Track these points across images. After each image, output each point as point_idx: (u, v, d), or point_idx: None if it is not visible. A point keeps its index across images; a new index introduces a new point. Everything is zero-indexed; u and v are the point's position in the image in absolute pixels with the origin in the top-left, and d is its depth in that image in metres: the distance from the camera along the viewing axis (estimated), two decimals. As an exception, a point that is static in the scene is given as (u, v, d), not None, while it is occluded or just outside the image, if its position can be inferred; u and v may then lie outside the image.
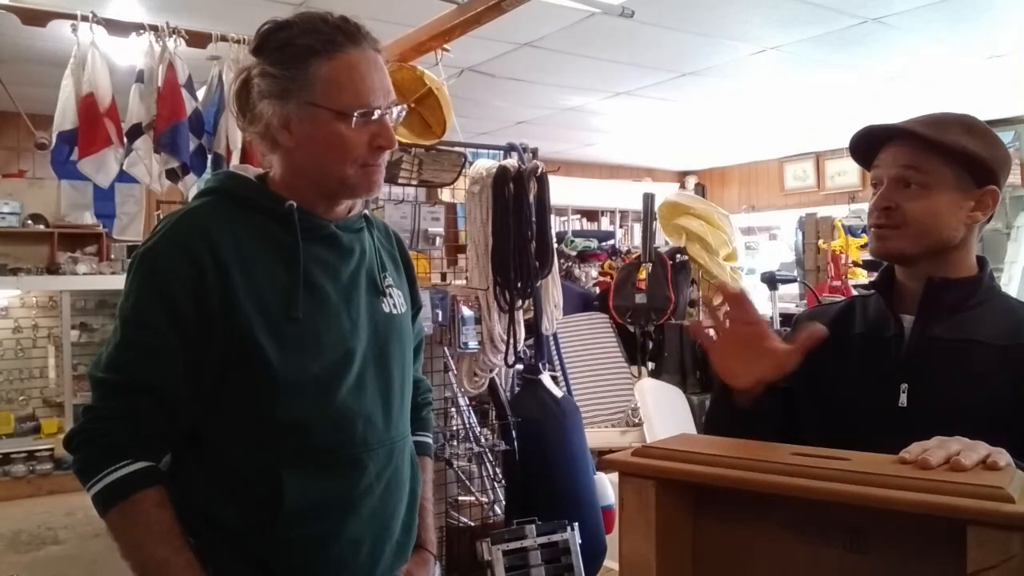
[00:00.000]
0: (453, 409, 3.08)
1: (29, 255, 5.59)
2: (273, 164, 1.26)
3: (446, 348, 2.97)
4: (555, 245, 3.07)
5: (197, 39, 2.81)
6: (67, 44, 2.77)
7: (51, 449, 5.08)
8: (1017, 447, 0.89)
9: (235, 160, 2.75)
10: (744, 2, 4.12)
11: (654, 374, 4.74)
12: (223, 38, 2.85)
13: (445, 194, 3.17)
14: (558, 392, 3.10)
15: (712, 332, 1.18)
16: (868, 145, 1.25)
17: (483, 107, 6.26)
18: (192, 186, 2.79)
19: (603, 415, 4.42)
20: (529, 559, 2.63)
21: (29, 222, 5.69)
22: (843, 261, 6.04)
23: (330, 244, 1.25)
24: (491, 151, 3.19)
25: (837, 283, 5.89)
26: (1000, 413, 1.10)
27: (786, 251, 7.53)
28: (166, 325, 1.13)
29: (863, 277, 5.89)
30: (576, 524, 2.72)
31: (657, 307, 4.74)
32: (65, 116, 2.67)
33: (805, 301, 5.77)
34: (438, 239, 2.95)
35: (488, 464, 3.18)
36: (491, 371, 2.98)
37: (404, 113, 1.41)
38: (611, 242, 6.29)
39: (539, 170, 2.94)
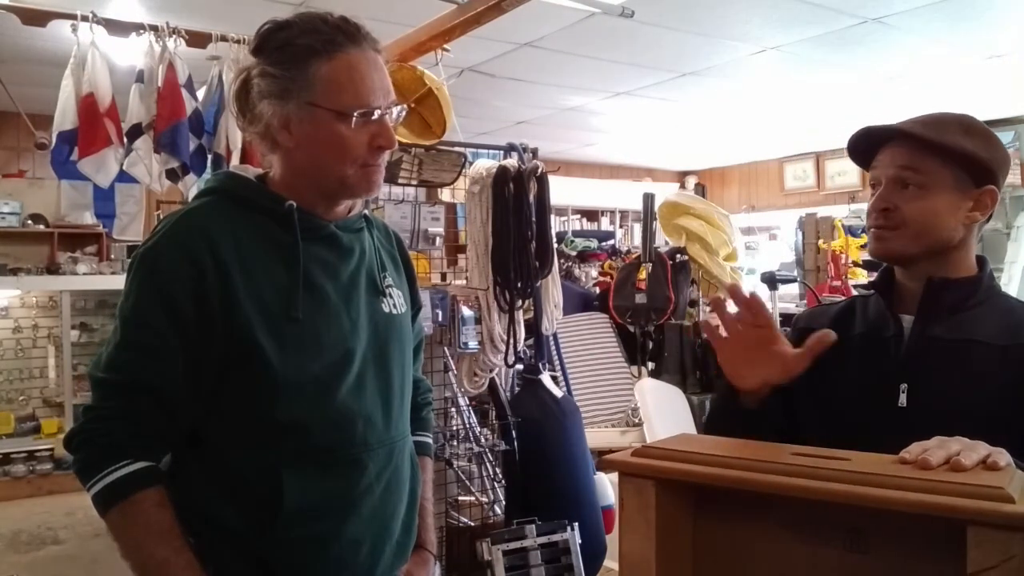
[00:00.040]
0: (453, 409, 3.08)
1: (29, 255, 5.59)
2: (273, 164, 1.26)
3: (446, 348, 2.97)
4: (555, 245, 3.07)
5: (197, 39, 2.82)
6: (67, 44, 2.77)
7: (51, 449, 5.08)
8: (1017, 447, 0.89)
9: (235, 160, 2.75)
10: (744, 2, 4.12)
11: (654, 374, 4.74)
12: (223, 38, 2.85)
13: (445, 194, 3.16)
14: (558, 392, 3.10)
15: (721, 330, 1.18)
16: (866, 146, 1.25)
17: (483, 107, 6.26)
18: (192, 186, 2.79)
19: (603, 415, 4.42)
20: (529, 559, 2.63)
21: (29, 222, 5.70)
22: (843, 261, 6.04)
23: (330, 244, 1.25)
24: (491, 151, 3.19)
25: (837, 283, 5.90)
26: (1000, 413, 1.10)
27: (786, 251, 7.53)
28: (166, 325, 1.13)
29: (863, 277, 5.89)
30: (576, 524, 2.72)
31: (657, 307, 4.74)
32: (65, 116, 2.67)
33: (805, 301, 5.77)
34: (438, 239, 2.95)
35: (488, 464, 3.17)
36: (491, 371, 2.98)
37: (404, 113, 1.41)
38: (611, 242, 6.29)
39: (539, 170, 2.94)
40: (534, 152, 3.04)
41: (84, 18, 2.66)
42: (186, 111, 2.72)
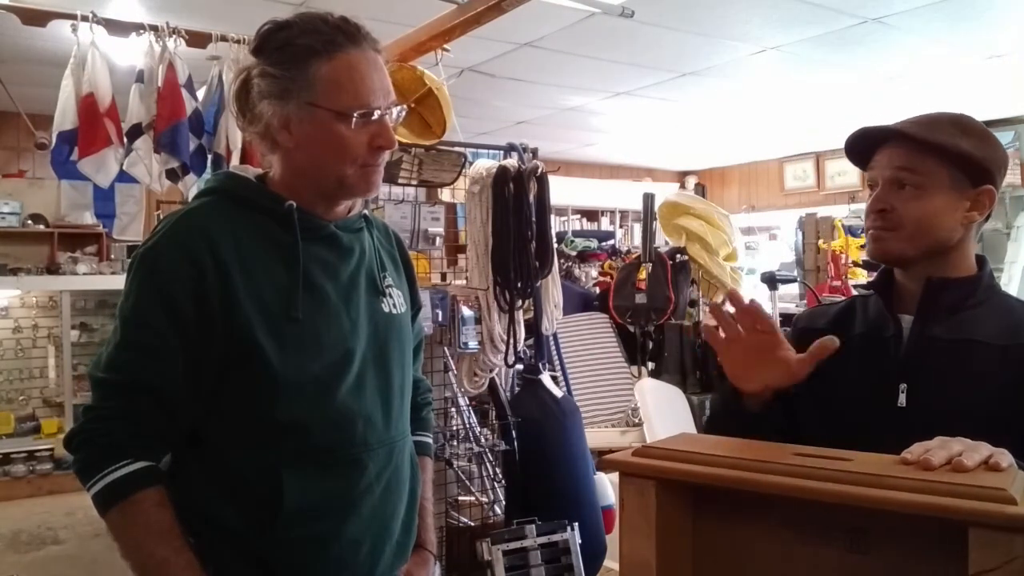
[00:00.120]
0: (453, 409, 3.08)
1: (29, 255, 5.59)
2: (273, 164, 1.26)
3: (446, 348, 2.97)
4: (555, 245, 3.07)
5: (197, 39, 2.81)
6: (67, 44, 2.77)
7: (51, 449, 5.08)
8: (1018, 447, 0.89)
9: (235, 160, 2.75)
10: (744, 2, 4.12)
11: (654, 374, 4.74)
12: (223, 38, 2.85)
13: (445, 194, 3.16)
14: (558, 392, 3.10)
15: (721, 333, 1.18)
16: (863, 146, 1.25)
17: (483, 107, 6.26)
18: (192, 186, 2.78)
19: (603, 415, 4.42)
20: (529, 559, 2.63)
21: (29, 222, 5.69)
22: (843, 261, 6.05)
23: (330, 244, 1.25)
24: (491, 151, 3.19)
25: (837, 283, 5.90)
26: (1000, 413, 1.09)
27: (786, 251, 7.53)
28: (166, 325, 1.13)
29: (863, 277, 5.90)
30: (576, 524, 2.72)
31: (657, 307, 4.74)
32: (65, 116, 2.67)
33: (805, 301, 5.77)
34: (438, 239, 2.95)
35: (488, 464, 3.17)
36: (491, 371, 2.98)
37: (404, 113, 1.41)
38: (611, 242, 6.29)
39: (539, 170, 2.93)
40: (534, 152, 3.04)
41: (84, 18, 2.66)
42: (186, 111, 2.72)
